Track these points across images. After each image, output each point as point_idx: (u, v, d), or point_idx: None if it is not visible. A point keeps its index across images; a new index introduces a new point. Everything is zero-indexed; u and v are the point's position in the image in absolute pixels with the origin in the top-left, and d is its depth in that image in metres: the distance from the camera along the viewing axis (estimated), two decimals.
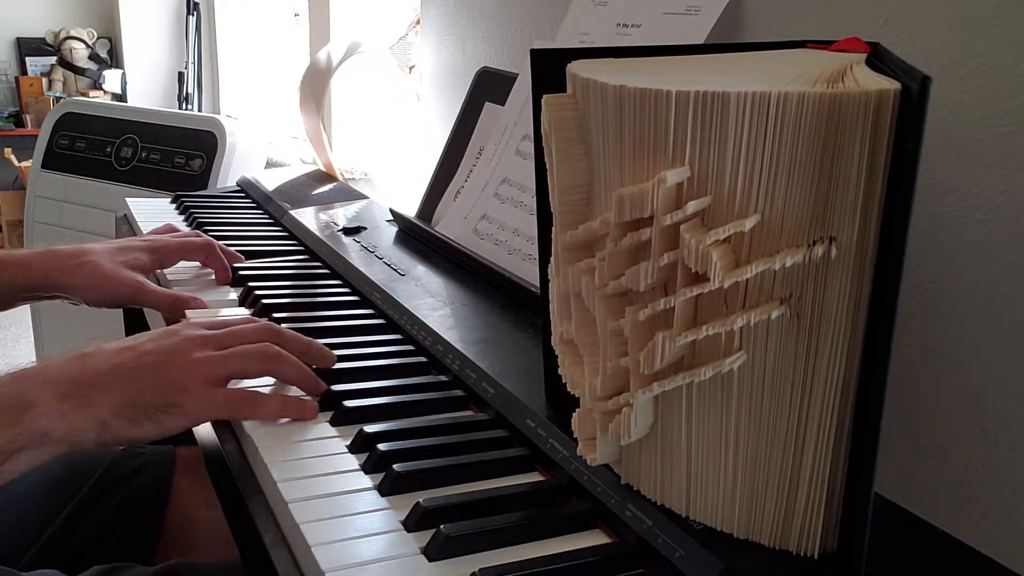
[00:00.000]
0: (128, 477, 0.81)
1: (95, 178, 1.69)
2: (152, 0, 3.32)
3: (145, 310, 0.89)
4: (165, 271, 0.88)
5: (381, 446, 0.53)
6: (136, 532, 0.79)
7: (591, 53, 0.49)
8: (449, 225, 0.92)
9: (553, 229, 0.48)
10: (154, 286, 0.80)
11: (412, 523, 0.46)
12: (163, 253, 0.85)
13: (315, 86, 1.41)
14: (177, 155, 1.61)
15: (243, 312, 0.78)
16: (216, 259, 0.87)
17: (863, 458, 0.40)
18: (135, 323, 1.12)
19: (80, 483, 0.79)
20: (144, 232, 0.96)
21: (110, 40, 3.87)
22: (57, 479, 0.80)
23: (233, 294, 0.84)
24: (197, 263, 0.90)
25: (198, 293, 0.80)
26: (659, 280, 0.41)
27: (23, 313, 2.44)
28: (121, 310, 1.22)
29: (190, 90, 3.15)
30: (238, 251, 0.94)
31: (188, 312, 0.76)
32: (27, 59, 3.91)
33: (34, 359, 1.91)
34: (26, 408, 0.51)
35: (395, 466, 0.50)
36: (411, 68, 1.60)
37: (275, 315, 0.75)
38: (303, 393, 0.61)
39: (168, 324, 0.80)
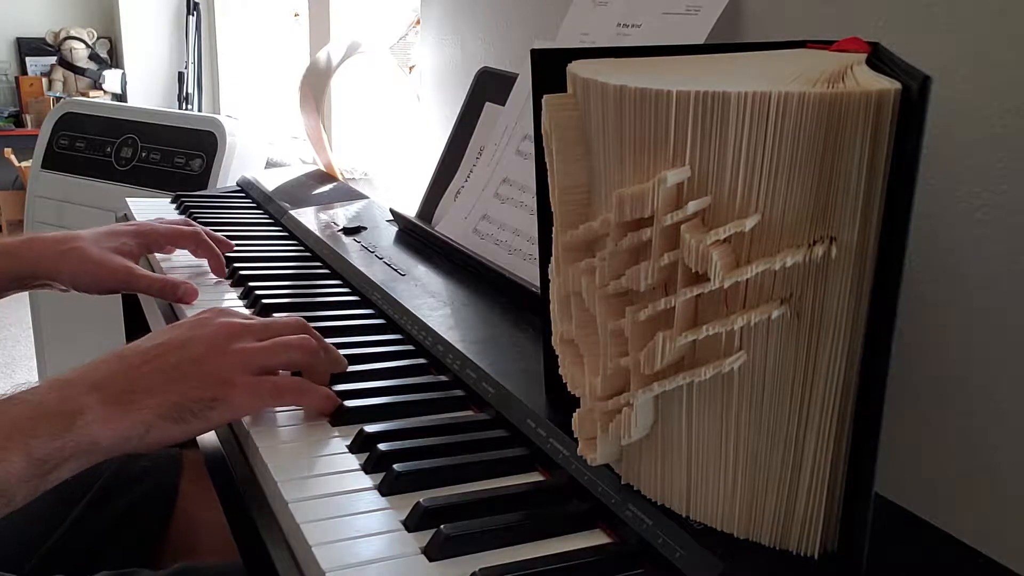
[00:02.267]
0: (134, 481, 0.81)
1: (95, 178, 1.68)
2: (152, 0, 3.32)
3: (143, 301, 0.89)
4: (161, 265, 0.88)
5: (381, 446, 0.53)
6: (142, 536, 0.79)
7: (591, 53, 0.49)
8: (449, 225, 0.92)
9: (553, 229, 0.48)
10: (144, 271, 0.79)
11: (412, 523, 0.46)
12: (151, 238, 0.84)
13: (315, 86, 1.41)
14: (177, 155, 1.61)
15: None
16: (206, 247, 0.87)
17: (863, 458, 0.40)
18: (133, 314, 1.12)
19: (86, 486, 0.79)
20: None
21: (110, 40, 3.87)
22: (63, 483, 0.80)
23: (233, 294, 0.84)
24: (193, 259, 0.90)
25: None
26: (659, 280, 0.41)
27: (23, 312, 2.45)
28: (121, 303, 1.22)
29: (190, 90, 3.15)
30: (238, 251, 0.94)
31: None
32: (27, 59, 3.92)
33: (34, 358, 1.91)
34: (74, 416, 0.49)
35: (395, 466, 0.50)
36: (411, 68, 1.60)
37: (275, 315, 0.75)
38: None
39: (162, 311, 0.81)
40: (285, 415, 0.58)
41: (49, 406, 0.50)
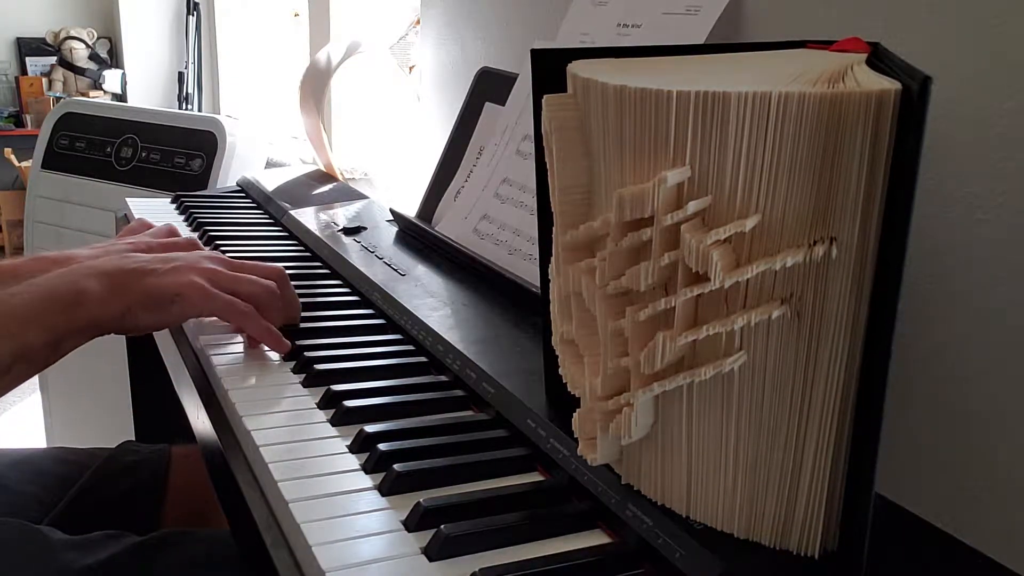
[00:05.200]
0: (122, 473, 0.82)
1: (95, 178, 1.68)
2: (152, 0, 3.32)
3: None
4: None
5: (381, 446, 0.53)
6: (131, 527, 0.79)
7: (591, 53, 0.49)
8: (449, 225, 0.92)
9: (553, 229, 0.48)
10: None
11: (412, 523, 0.46)
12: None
13: (315, 86, 1.41)
14: (177, 155, 1.61)
15: None
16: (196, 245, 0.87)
17: (863, 458, 0.40)
18: None
19: (75, 479, 0.80)
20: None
21: (110, 40, 3.87)
22: (52, 475, 0.81)
23: None
24: None
25: None
26: (660, 280, 0.41)
27: None
28: None
29: (190, 90, 3.15)
30: (238, 251, 0.94)
31: None
32: (27, 59, 3.92)
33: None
34: (80, 295, 0.61)
35: (395, 466, 0.50)
36: (411, 68, 1.60)
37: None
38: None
39: None
40: (286, 415, 0.59)
41: (59, 289, 0.61)
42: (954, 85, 0.57)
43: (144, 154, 1.65)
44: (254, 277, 0.69)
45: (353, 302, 0.81)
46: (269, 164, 1.74)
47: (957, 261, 0.58)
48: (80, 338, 0.62)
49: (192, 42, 3.11)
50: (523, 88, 0.89)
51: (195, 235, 1.03)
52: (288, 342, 0.68)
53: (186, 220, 1.11)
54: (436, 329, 0.69)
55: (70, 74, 3.87)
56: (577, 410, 0.48)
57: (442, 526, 0.45)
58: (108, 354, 1.36)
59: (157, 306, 0.64)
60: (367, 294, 0.81)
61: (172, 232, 0.88)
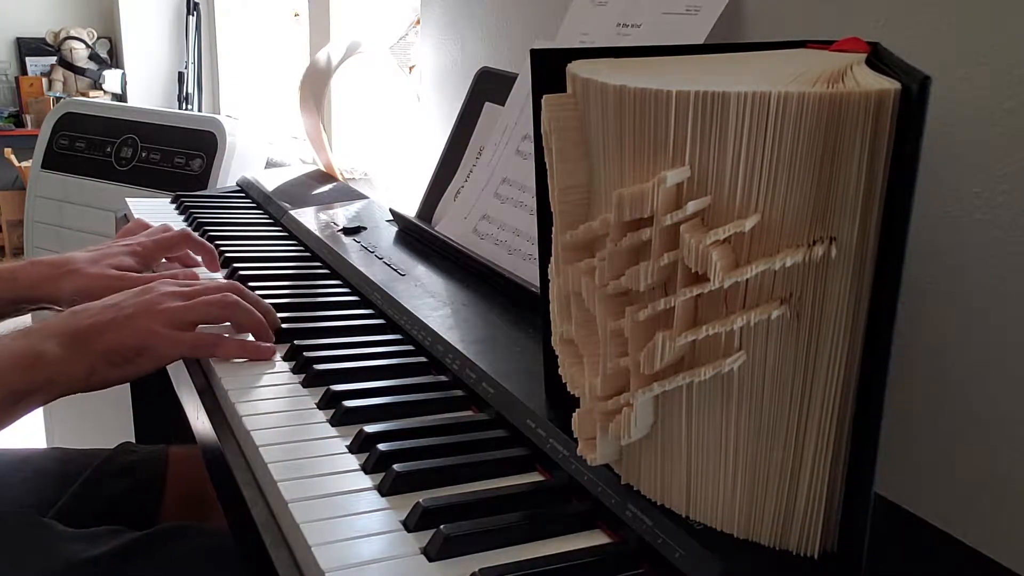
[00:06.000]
0: (120, 474, 0.82)
1: (95, 178, 1.68)
2: (152, 0, 3.32)
3: None
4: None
5: (381, 446, 0.53)
6: (129, 527, 0.79)
7: (591, 53, 0.49)
8: (449, 225, 0.92)
9: (553, 229, 0.48)
10: (136, 275, 0.80)
11: (412, 523, 0.46)
12: (145, 255, 0.85)
13: (315, 86, 1.40)
14: (177, 155, 1.61)
15: None
16: (196, 244, 0.88)
17: (863, 458, 0.40)
18: None
19: (74, 479, 0.80)
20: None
21: (110, 40, 3.87)
22: (51, 475, 0.81)
23: None
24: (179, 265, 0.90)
25: None
26: (659, 280, 0.41)
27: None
28: None
29: (190, 90, 3.15)
30: (238, 251, 0.94)
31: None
32: (27, 59, 3.92)
33: None
34: (37, 358, 0.61)
35: (395, 466, 0.50)
36: (411, 68, 1.60)
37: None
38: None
39: None
40: (286, 415, 0.58)
41: (16, 350, 0.61)
42: (954, 85, 0.57)
43: (144, 154, 1.65)
44: (207, 297, 0.68)
45: (353, 302, 0.81)
46: (269, 164, 1.73)
47: (957, 261, 0.58)
48: (40, 399, 0.62)
49: (192, 42, 3.10)
50: (523, 88, 0.89)
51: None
52: (271, 346, 0.68)
53: (186, 220, 1.11)
54: (436, 329, 0.69)
55: (70, 74, 3.87)
56: (577, 410, 0.48)
57: (442, 526, 0.45)
58: None
59: (124, 361, 0.63)
60: (367, 294, 0.81)
61: (166, 230, 0.89)
